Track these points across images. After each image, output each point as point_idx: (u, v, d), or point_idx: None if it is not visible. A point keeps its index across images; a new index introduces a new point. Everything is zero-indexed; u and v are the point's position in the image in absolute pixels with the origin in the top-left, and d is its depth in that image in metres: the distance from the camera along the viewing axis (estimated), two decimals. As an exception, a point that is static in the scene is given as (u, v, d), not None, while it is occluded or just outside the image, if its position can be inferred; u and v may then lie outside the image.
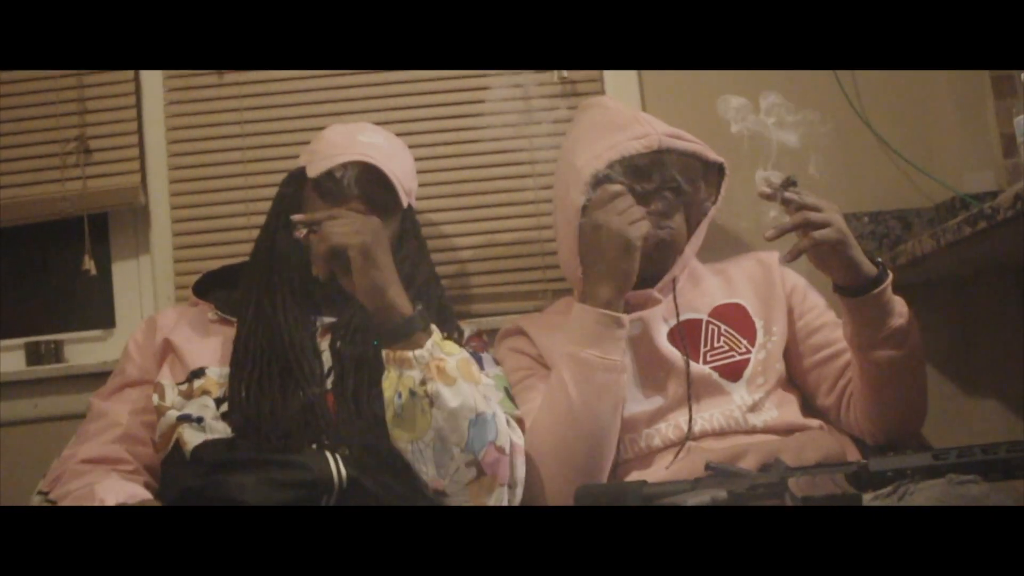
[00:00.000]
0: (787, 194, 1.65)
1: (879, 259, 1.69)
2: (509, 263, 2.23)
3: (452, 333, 1.73)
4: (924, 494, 1.31)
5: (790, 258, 1.66)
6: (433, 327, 1.63)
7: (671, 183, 1.84)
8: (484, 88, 2.25)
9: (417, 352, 1.58)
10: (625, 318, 1.72)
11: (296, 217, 1.69)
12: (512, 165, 2.25)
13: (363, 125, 1.92)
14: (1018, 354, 2.12)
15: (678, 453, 1.73)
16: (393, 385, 1.59)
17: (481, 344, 1.86)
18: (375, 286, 1.61)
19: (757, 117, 1.72)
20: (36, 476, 1.74)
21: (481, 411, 1.59)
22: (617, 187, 1.75)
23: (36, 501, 1.66)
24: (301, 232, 1.67)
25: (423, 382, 1.56)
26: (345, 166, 1.75)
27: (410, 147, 1.96)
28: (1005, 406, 2.16)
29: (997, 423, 2.13)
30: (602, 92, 2.26)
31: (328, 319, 1.76)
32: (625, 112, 1.91)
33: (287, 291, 1.75)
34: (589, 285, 1.73)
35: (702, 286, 1.90)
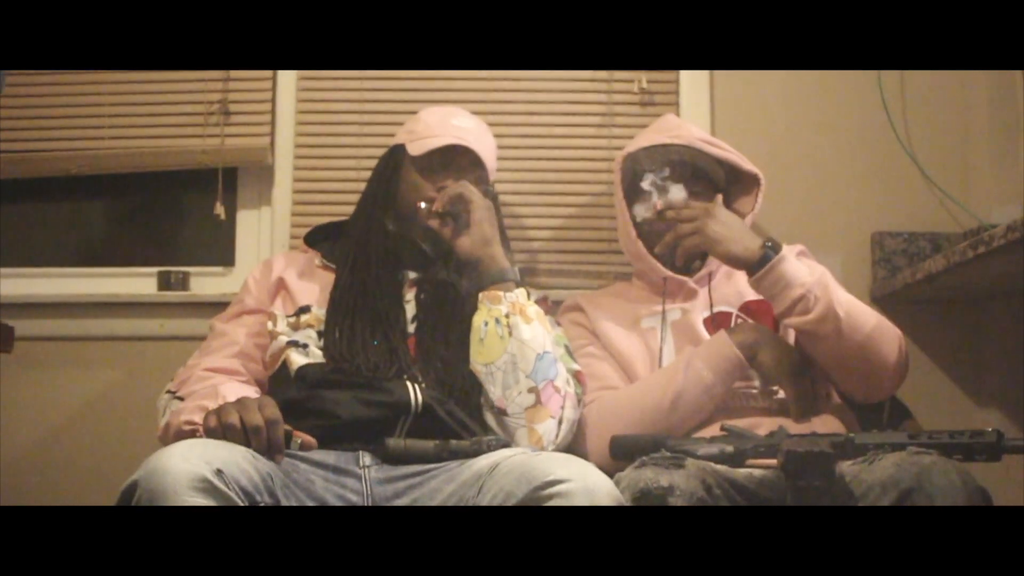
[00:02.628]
0: (668, 214, 2.00)
1: (769, 243, 1.92)
2: (580, 245, 2.50)
3: None
4: (888, 460, 1.57)
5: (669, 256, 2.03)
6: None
7: (690, 177, 2.10)
8: (571, 91, 2.53)
9: (507, 293, 1.89)
10: (748, 368, 1.95)
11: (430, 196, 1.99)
12: (591, 160, 2.51)
13: (454, 109, 2.16)
14: (1021, 371, 2.33)
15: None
16: (483, 316, 1.88)
17: (546, 308, 2.10)
18: (485, 237, 1.93)
19: None
20: (159, 383, 1.99)
21: (548, 350, 1.87)
22: None
23: (165, 399, 1.92)
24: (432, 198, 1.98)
25: (507, 315, 1.87)
26: (443, 148, 2.02)
27: (503, 137, 2.22)
28: (1008, 416, 2.35)
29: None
30: (676, 102, 2.52)
31: (412, 274, 2.04)
32: (675, 121, 2.20)
33: (379, 250, 2.02)
34: (754, 334, 1.95)
35: (736, 283, 2.11)
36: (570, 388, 1.92)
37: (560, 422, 1.88)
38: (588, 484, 1.49)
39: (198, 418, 1.73)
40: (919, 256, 2.39)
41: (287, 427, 1.66)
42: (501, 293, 1.90)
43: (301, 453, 1.70)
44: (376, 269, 2.00)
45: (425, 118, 2.12)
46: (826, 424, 1.94)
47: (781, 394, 1.98)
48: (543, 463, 1.54)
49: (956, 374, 2.43)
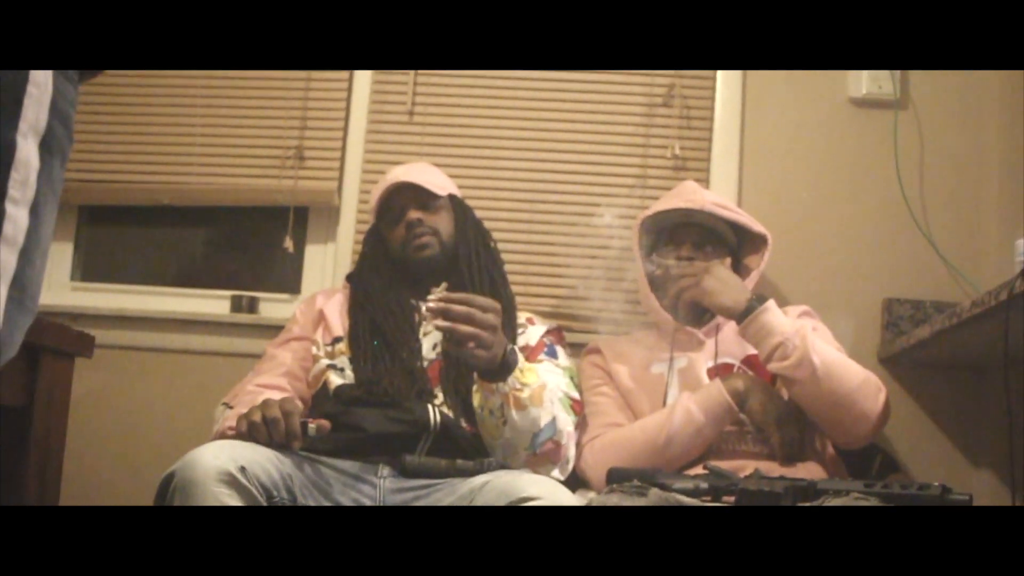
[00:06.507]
0: (672, 271, 2.22)
1: (755, 298, 2.12)
2: (608, 295, 2.65)
3: (514, 328, 2.21)
4: (831, 503, 1.74)
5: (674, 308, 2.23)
6: (519, 358, 2.00)
7: (702, 237, 2.31)
8: (610, 153, 2.75)
9: (500, 385, 1.97)
10: (738, 413, 2.13)
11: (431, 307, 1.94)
12: (625, 218, 2.62)
13: (393, 168, 2.39)
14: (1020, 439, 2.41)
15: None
16: (480, 402, 2.01)
17: (559, 339, 2.31)
18: (478, 363, 1.96)
19: None
20: (224, 394, 2.20)
21: (542, 427, 2.01)
22: None
23: (220, 409, 2.16)
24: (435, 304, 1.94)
25: (501, 406, 1.98)
26: (389, 195, 2.27)
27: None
28: (1002, 480, 2.45)
29: (991, 492, 2.45)
30: (707, 168, 2.72)
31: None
32: (692, 186, 2.41)
33: (382, 287, 2.26)
34: (745, 383, 2.13)
35: (741, 339, 2.24)
36: (570, 426, 2.10)
37: (563, 464, 2.09)
38: (556, 500, 1.71)
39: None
40: (924, 322, 2.51)
41: (303, 419, 1.90)
42: (494, 385, 1.97)
43: (329, 460, 1.96)
44: (383, 307, 2.22)
45: (372, 202, 2.38)
46: (810, 471, 2.09)
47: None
48: (521, 482, 1.77)
49: (953, 435, 2.56)
